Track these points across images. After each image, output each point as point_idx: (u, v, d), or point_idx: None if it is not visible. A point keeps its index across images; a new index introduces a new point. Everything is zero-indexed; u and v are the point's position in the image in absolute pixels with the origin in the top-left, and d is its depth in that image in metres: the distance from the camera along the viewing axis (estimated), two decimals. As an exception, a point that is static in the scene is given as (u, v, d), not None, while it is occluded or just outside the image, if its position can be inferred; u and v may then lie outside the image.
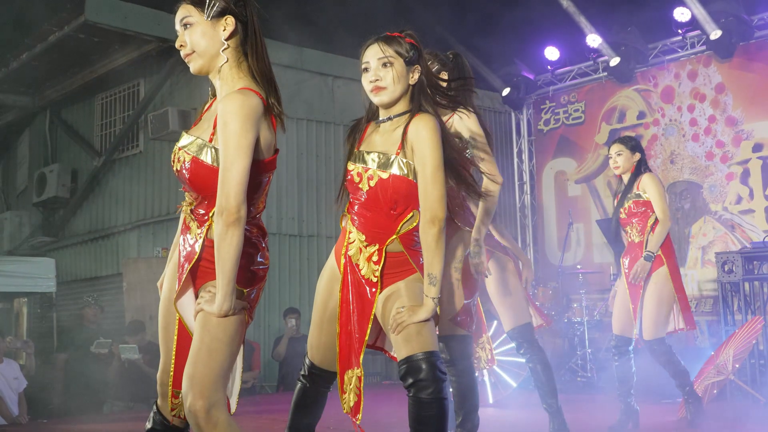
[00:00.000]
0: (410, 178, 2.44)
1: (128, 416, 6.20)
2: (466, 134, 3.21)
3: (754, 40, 7.82)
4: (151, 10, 8.78)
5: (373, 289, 2.47)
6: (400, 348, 2.39)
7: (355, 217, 2.55)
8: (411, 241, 2.50)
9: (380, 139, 2.54)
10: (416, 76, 2.51)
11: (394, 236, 2.47)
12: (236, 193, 2.03)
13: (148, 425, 2.38)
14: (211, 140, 2.18)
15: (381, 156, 2.49)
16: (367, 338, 2.47)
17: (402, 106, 2.52)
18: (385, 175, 2.45)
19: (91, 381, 6.81)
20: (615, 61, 8.53)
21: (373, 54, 2.49)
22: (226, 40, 2.19)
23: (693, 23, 7.96)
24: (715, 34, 7.72)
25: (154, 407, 2.38)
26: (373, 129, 2.60)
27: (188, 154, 2.20)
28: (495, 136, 10.25)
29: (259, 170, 2.15)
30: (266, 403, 6.81)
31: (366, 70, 2.51)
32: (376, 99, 2.50)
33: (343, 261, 2.55)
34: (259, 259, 2.24)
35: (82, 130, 10.73)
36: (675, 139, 8.54)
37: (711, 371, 4.62)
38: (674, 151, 8.55)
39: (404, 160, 2.45)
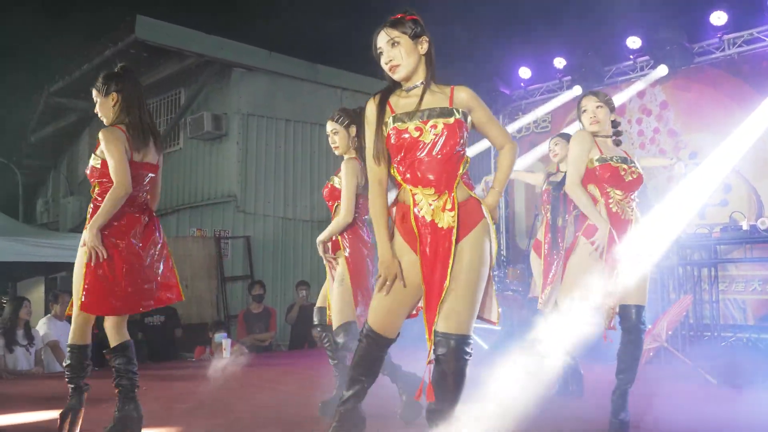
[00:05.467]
0: (465, 122, 2.34)
1: (143, 373, 6.24)
2: None
3: (693, 64, 7.80)
4: (191, 30, 8.78)
5: (452, 236, 2.25)
6: (441, 320, 2.24)
7: (418, 173, 2.30)
8: (469, 184, 2.36)
9: (426, 99, 2.35)
10: (425, 45, 2.37)
11: (458, 179, 2.30)
12: None
13: None
14: None
15: (435, 110, 2.33)
16: (447, 283, 2.23)
17: (421, 75, 2.38)
18: (450, 121, 2.30)
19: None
20: (577, 88, 8.59)
21: (382, 39, 2.35)
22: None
23: (643, 50, 7.99)
24: (662, 69, 7.79)
25: None
26: (400, 96, 2.41)
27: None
28: (476, 140, 10.14)
29: None
30: (280, 358, 6.85)
31: (381, 54, 2.36)
32: (396, 76, 2.35)
33: (413, 220, 2.30)
34: None
35: (132, 129, 10.70)
36: (625, 147, 8.45)
37: (648, 339, 4.66)
38: (624, 156, 8.54)
39: (459, 110, 2.33)
